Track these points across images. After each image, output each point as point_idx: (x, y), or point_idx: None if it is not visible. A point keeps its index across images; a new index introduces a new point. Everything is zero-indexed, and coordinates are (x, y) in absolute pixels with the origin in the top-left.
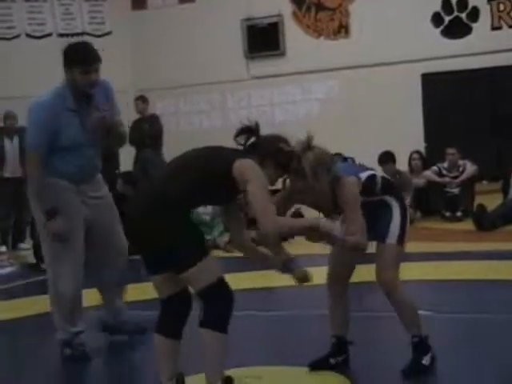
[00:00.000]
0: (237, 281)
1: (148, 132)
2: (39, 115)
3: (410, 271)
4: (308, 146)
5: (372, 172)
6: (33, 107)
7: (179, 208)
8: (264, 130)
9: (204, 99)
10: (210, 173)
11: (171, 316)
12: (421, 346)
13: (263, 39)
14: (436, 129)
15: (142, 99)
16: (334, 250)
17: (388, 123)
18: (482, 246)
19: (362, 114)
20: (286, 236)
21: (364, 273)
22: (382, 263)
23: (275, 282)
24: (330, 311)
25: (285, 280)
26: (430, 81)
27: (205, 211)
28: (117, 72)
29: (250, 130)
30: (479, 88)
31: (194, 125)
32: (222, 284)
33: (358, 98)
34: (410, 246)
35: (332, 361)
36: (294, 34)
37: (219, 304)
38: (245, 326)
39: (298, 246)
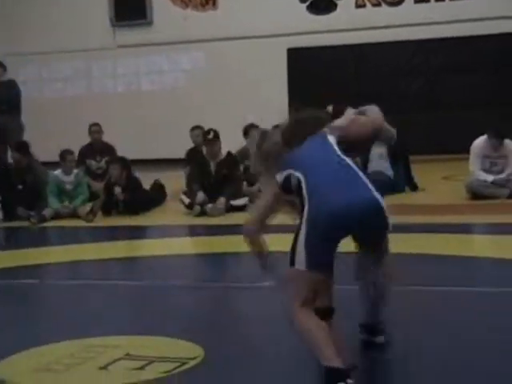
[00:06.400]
0: (99, 250)
1: (5, 98)
2: None
3: None
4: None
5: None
6: None
7: None
8: (129, 100)
9: (68, 66)
10: None
11: None
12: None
13: (130, 7)
14: (301, 103)
15: None
16: None
17: (253, 96)
18: None
19: (228, 87)
20: None
21: None
22: None
23: (139, 251)
24: None
25: (147, 250)
26: (295, 55)
27: (67, 180)
28: None
29: None
30: (344, 64)
31: (57, 92)
32: None
33: (225, 71)
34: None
35: None
36: (161, 4)
37: None
38: (107, 295)
39: None
